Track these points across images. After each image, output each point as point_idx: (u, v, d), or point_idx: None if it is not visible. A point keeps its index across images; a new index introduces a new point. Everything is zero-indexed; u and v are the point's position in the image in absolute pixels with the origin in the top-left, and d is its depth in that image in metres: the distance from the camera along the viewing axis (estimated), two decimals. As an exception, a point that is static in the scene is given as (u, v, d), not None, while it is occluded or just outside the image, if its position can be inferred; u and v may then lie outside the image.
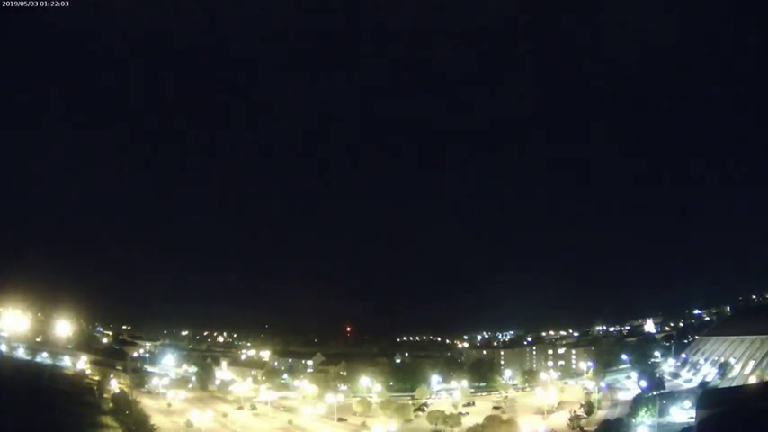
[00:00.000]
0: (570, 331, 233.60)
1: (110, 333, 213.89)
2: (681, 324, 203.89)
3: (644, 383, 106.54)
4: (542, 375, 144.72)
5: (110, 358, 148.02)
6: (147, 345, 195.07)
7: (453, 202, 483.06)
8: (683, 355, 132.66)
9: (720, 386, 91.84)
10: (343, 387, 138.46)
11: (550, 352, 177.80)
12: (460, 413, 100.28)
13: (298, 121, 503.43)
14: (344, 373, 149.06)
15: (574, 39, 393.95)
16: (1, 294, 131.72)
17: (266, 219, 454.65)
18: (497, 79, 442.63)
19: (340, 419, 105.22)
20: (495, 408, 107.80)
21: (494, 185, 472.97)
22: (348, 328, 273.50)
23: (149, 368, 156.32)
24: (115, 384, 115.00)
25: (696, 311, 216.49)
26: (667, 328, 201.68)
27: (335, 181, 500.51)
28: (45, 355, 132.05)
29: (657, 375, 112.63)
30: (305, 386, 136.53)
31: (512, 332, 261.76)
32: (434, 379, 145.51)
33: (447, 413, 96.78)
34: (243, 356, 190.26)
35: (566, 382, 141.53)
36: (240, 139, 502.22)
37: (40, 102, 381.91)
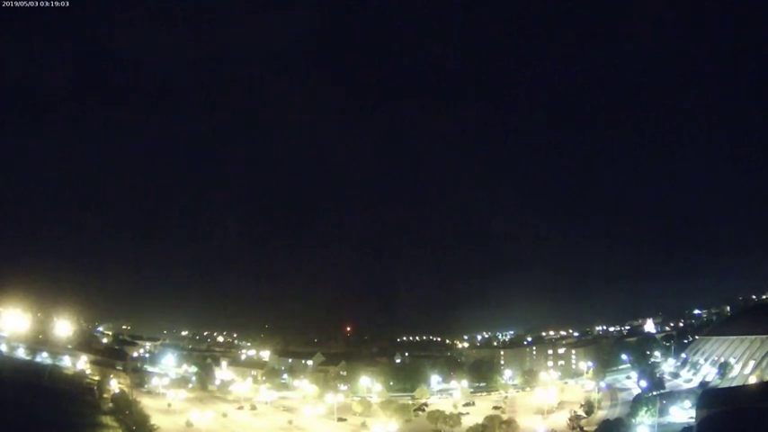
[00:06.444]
0: (570, 331, 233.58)
1: (110, 333, 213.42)
2: (681, 324, 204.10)
3: (644, 383, 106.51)
4: (542, 375, 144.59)
5: (110, 358, 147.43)
6: (147, 345, 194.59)
7: (454, 202, 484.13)
8: (683, 355, 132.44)
9: (720, 386, 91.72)
10: (343, 387, 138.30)
11: (550, 352, 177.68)
12: (460, 413, 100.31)
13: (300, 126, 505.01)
14: (344, 373, 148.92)
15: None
16: (1, 294, 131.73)
17: (266, 219, 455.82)
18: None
19: (340, 419, 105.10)
20: (495, 408, 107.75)
21: (494, 186, 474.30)
22: (348, 328, 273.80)
23: (149, 368, 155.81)
24: (115, 384, 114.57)
25: (696, 311, 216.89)
26: (667, 328, 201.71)
27: (336, 182, 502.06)
28: (45, 355, 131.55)
29: (657, 375, 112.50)
30: (305, 386, 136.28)
31: (512, 332, 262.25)
32: (434, 379, 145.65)
33: (447, 413, 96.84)
34: (243, 356, 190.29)
35: (566, 382, 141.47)
36: (240, 140, 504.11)
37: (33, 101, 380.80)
